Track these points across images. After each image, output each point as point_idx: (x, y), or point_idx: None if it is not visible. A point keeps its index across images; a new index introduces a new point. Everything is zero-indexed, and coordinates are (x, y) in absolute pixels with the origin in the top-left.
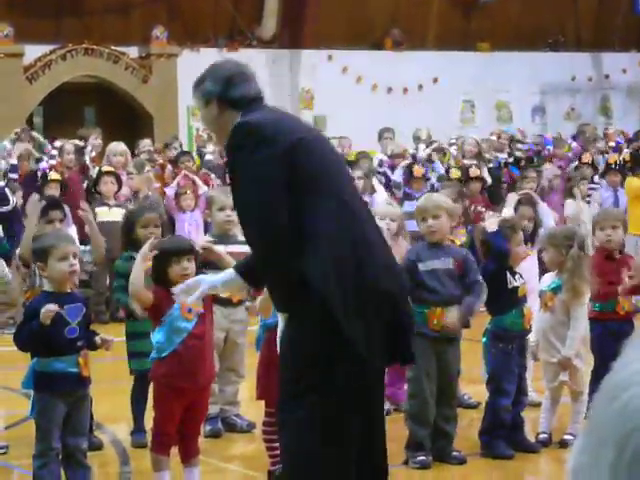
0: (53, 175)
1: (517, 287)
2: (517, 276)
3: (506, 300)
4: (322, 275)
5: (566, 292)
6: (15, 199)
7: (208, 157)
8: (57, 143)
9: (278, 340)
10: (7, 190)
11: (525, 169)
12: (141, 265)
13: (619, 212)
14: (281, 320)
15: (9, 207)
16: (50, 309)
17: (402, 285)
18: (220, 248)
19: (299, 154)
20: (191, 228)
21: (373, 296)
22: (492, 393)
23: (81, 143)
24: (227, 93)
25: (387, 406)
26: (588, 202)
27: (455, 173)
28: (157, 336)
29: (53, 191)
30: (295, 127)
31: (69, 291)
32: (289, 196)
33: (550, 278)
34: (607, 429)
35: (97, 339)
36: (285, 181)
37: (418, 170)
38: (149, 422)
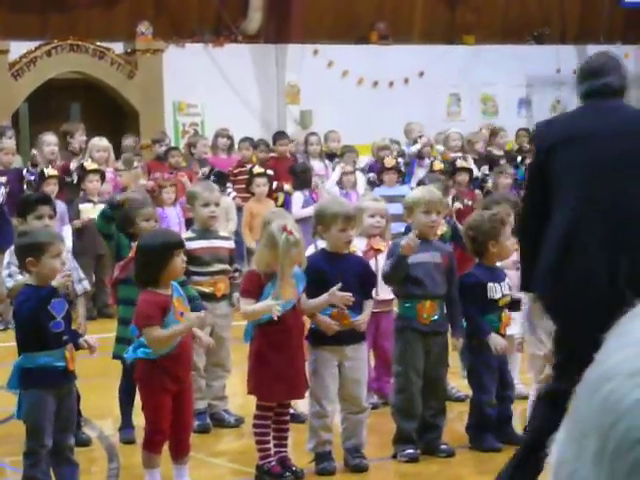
0: (50, 171)
1: (497, 300)
2: (503, 285)
3: (484, 307)
4: None
5: None
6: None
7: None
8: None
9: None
10: None
11: (503, 164)
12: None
13: None
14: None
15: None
16: (67, 272)
17: None
18: (203, 243)
19: None
20: (172, 223)
21: None
22: (474, 389)
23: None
24: None
25: (374, 400)
26: None
27: (438, 165)
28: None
29: (52, 187)
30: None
31: (53, 286)
32: None
33: None
34: (590, 420)
35: (81, 341)
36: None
37: (389, 161)
38: (137, 418)
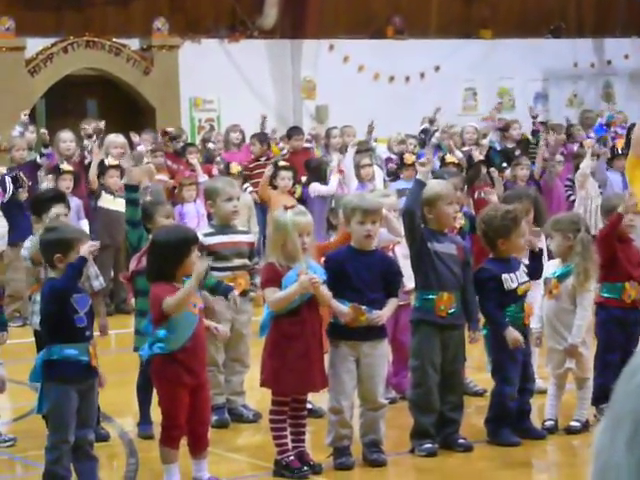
0: (66, 167)
1: (515, 289)
2: (519, 273)
3: (504, 300)
4: None
5: (577, 276)
6: (12, 188)
7: (211, 145)
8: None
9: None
10: (7, 179)
11: (519, 156)
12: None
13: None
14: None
15: (6, 197)
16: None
17: None
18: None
19: None
20: (193, 219)
21: None
22: (497, 382)
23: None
24: None
25: (392, 394)
26: (593, 174)
27: (450, 158)
28: (165, 333)
29: (67, 183)
30: None
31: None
32: None
33: (554, 265)
34: (625, 406)
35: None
36: None
37: (409, 157)
38: (155, 413)
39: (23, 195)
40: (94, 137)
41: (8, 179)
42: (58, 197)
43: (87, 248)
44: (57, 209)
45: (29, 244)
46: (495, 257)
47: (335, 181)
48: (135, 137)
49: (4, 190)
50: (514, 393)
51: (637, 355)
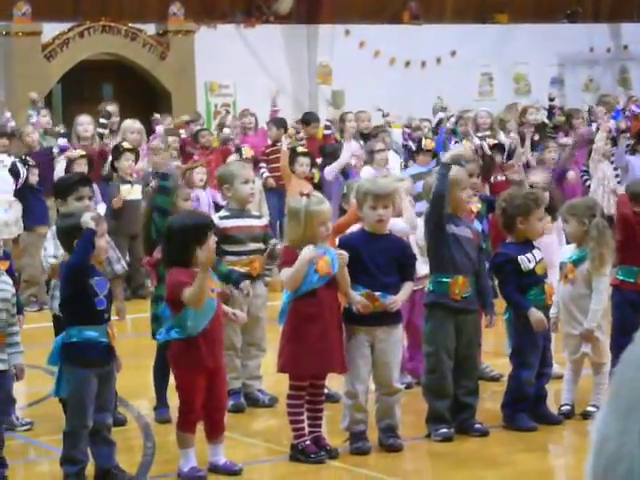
0: (80, 152)
1: (533, 269)
2: (535, 252)
3: (524, 282)
4: None
5: (592, 261)
6: (26, 173)
7: (226, 131)
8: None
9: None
10: (19, 165)
11: (545, 139)
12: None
13: None
14: None
15: (20, 182)
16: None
17: None
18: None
19: None
20: (203, 205)
21: None
22: (516, 366)
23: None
24: None
25: (408, 379)
26: (612, 162)
27: (466, 144)
28: (185, 318)
29: (82, 168)
30: None
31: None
32: None
33: (570, 250)
34: (637, 396)
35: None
36: None
37: (429, 143)
38: (172, 397)
39: (33, 178)
40: (104, 120)
41: (20, 164)
42: (83, 180)
43: (90, 219)
44: (83, 192)
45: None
46: (510, 241)
47: (347, 152)
48: (157, 116)
49: (16, 176)
50: (532, 378)
51: (638, 344)
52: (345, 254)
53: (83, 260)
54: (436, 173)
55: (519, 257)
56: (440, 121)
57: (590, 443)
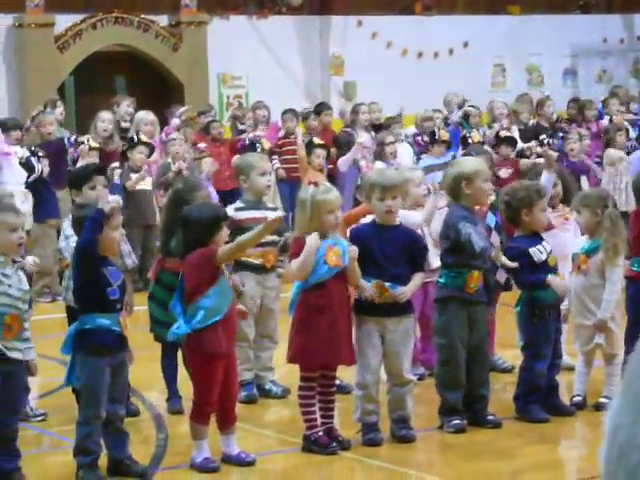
0: (92, 143)
1: (545, 260)
2: (544, 244)
3: (535, 274)
4: None
5: (605, 252)
6: (40, 167)
7: (240, 127)
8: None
9: None
10: (33, 159)
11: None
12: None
13: None
14: None
15: (35, 176)
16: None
17: None
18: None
19: None
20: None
21: None
22: (528, 358)
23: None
24: None
25: (420, 371)
26: (628, 153)
27: (477, 137)
28: (208, 302)
29: (92, 159)
30: None
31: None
32: None
33: (583, 241)
34: None
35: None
36: None
37: (444, 134)
38: (183, 388)
39: (45, 170)
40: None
41: (33, 159)
42: (99, 170)
43: (108, 205)
44: (97, 181)
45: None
46: (519, 234)
47: (357, 148)
48: (176, 108)
49: (30, 170)
50: (544, 370)
51: None
52: (355, 249)
53: (90, 239)
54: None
55: (530, 249)
56: (466, 115)
57: (604, 431)
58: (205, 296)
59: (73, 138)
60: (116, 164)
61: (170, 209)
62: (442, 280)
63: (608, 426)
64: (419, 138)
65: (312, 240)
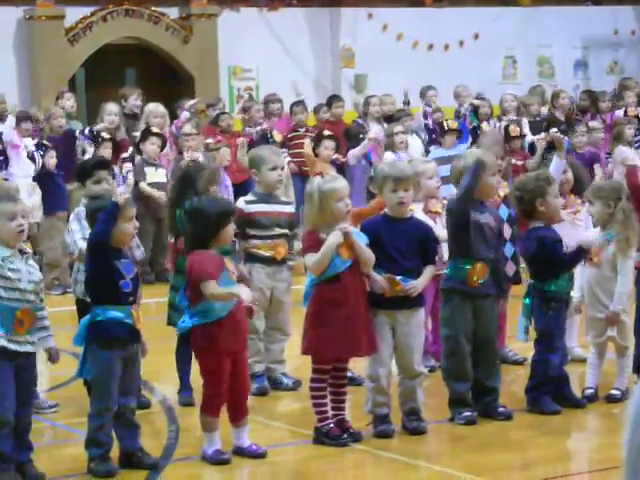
0: (105, 135)
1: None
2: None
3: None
4: None
5: (617, 244)
6: (42, 161)
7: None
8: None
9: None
10: (36, 153)
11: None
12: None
13: None
14: None
15: (36, 169)
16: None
17: None
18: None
19: None
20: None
21: None
22: (543, 350)
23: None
24: None
25: (432, 363)
26: (637, 148)
27: (486, 128)
28: (210, 302)
29: (107, 151)
30: None
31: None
32: None
33: (595, 233)
34: None
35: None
36: None
37: (452, 123)
38: (195, 380)
39: (51, 162)
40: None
41: (35, 152)
42: (102, 164)
43: (121, 197)
44: (100, 175)
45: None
46: (539, 225)
47: (367, 143)
48: (191, 102)
49: (35, 162)
50: (557, 362)
51: None
52: (348, 227)
53: (104, 232)
54: (470, 165)
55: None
56: (474, 107)
57: (627, 417)
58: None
59: (88, 130)
60: (125, 155)
61: (177, 186)
62: (448, 271)
63: (632, 410)
64: (429, 114)
65: (334, 237)
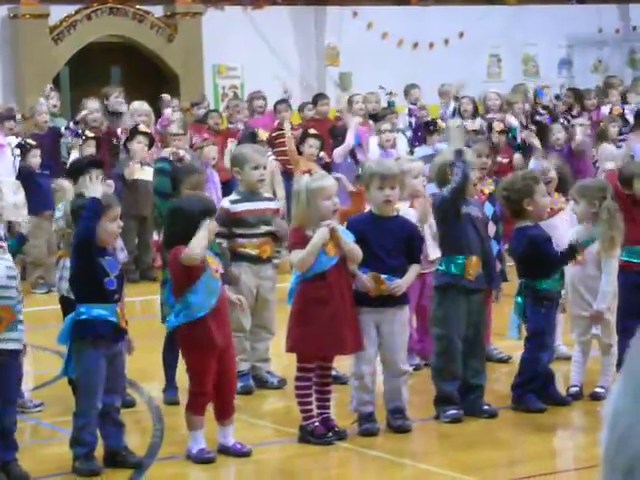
0: (89, 133)
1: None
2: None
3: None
4: None
5: (602, 243)
6: (17, 159)
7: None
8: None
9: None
10: (14, 149)
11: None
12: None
13: None
14: None
15: (14, 166)
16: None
17: None
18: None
19: None
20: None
21: None
22: (534, 348)
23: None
24: None
25: (416, 361)
26: (619, 147)
27: (472, 126)
28: (191, 298)
29: (91, 149)
30: None
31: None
32: None
33: (578, 231)
34: None
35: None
36: None
37: (441, 122)
38: (181, 379)
39: (34, 161)
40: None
41: (15, 150)
42: (94, 163)
43: (100, 191)
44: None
45: (60, 214)
46: (527, 224)
47: (351, 135)
48: (167, 97)
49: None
50: (546, 359)
51: None
52: (333, 222)
53: (88, 228)
54: (457, 162)
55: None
56: (454, 110)
57: (604, 417)
58: (191, 291)
59: (72, 122)
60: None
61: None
62: (442, 267)
63: (609, 408)
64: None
65: (320, 234)
